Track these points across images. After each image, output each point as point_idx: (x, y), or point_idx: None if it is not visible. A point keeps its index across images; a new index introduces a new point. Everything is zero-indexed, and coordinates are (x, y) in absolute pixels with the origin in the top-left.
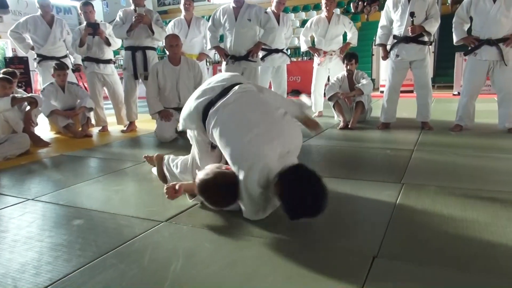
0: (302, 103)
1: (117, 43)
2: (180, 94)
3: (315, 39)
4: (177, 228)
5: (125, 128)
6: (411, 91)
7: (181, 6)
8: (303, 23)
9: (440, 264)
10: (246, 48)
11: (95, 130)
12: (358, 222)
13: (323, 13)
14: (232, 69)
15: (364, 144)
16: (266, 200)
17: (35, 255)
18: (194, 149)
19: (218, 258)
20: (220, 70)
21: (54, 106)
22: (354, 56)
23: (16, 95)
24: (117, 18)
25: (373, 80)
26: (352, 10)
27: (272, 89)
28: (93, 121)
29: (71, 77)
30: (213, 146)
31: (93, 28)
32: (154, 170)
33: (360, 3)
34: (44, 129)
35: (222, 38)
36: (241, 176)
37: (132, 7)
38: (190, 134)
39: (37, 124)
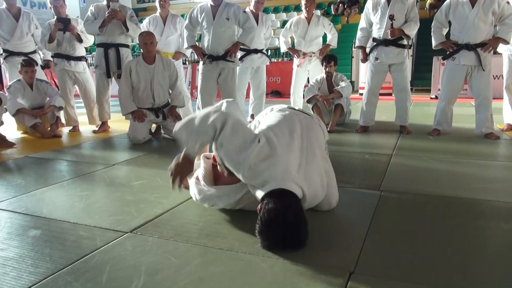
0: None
1: (89, 39)
2: (154, 94)
3: (295, 40)
4: (142, 240)
5: (97, 129)
6: (390, 94)
7: (157, 3)
8: (284, 23)
9: (417, 280)
10: (224, 48)
11: (65, 130)
12: (335, 235)
13: (303, 14)
14: (210, 68)
15: (343, 148)
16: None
17: None
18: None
19: (184, 274)
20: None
21: (21, 104)
22: (333, 58)
23: None
24: (89, 13)
25: (352, 83)
26: (333, 12)
27: (251, 90)
28: (63, 121)
29: (40, 74)
30: None
31: (64, 24)
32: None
33: (340, 5)
34: (10, 128)
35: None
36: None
37: (105, 2)
38: None
39: (2, 123)
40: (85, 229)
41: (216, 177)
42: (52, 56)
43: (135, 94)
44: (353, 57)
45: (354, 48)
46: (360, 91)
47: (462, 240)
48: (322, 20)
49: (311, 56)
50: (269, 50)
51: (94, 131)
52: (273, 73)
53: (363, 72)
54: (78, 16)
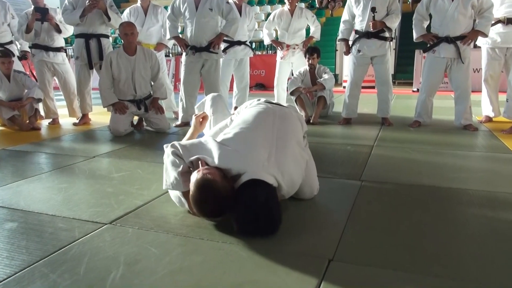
0: None
1: (68, 30)
2: (135, 85)
3: (279, 33)
4: (122, 231)
5: (77, 121)
6: (373, 87)
7: None
8: (269, 16)
9: (396, 268)
10: (207, 39)
11: (44, 123)
12: (315, 223)
13: (286, 6)
14: (193, 60)
15: (325, 139)
16: None
17: None
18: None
19: (163, 264)
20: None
21: None
22: (316, 51)
23: None
24: (66, 2)
25: (336, 76)
26: (317, 5)
27: (235, 82)
28: (42, 113)
29: (17, 65)
30: None
31: (42, 13)
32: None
33: None
34: None
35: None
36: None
37: None
38: None
39: None
40: (63, 221)
41: None
42: (29, 47)
43: (116, 86)
44: (337, 50)
45: (338, 41)
46: (344, 84)
47: (441, 228)
48: (305, 12)
49: (294, 48)
50: (254, 43)
51: (74, 124)
52: (257, 66)
53: (347, 65)
54: (58, 7)
